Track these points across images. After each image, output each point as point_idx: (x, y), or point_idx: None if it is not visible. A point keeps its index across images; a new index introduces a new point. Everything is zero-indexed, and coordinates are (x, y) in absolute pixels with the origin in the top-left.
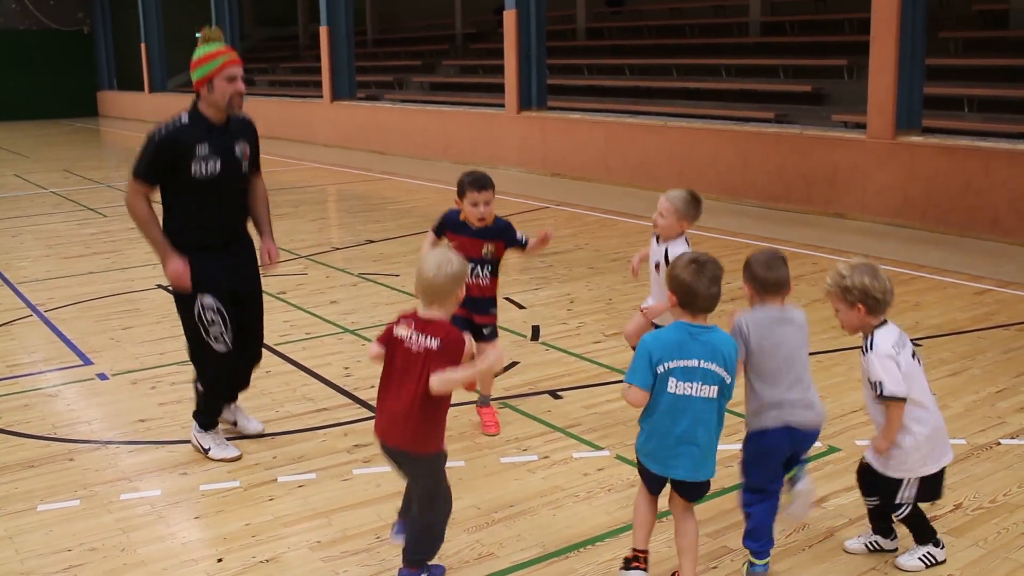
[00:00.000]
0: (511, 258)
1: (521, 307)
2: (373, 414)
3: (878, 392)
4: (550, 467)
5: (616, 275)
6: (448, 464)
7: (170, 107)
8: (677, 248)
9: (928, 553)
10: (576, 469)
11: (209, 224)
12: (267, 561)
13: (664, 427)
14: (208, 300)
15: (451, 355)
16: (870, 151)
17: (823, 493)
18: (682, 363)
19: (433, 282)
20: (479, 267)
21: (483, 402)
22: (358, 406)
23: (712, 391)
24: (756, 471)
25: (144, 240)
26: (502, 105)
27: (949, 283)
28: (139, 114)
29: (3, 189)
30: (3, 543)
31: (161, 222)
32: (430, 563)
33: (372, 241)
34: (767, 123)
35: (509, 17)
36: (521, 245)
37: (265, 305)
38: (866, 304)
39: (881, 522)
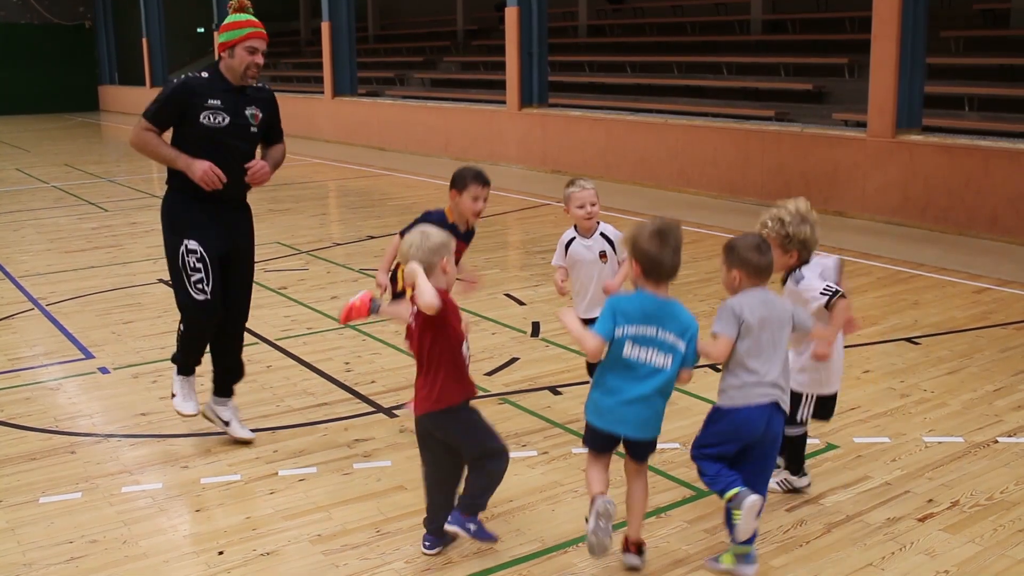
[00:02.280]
0: (511, 254)
1: (521, 303)
2: (373, 409)
3: (830, 294)
4: (549, 463)
5: None
6: None
7: None
8: (610, 229)
9: (786, 479)
10: (575, 465)
11: None
12: (268, 554)
13: (616, 388)
14: (192, 244)
15: (418, 296)
16: (870, 149)
17: (820, 490)
18: (641, 329)
19: (415, 257)
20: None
21: None
22: (358, 401)
23: (667, 360)
24: (724, 447)
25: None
26: (503, 102)
27: (948, 282)
28: (140, 109)
29: (4, 183)
30: (5, 535)
31: (168, 172)
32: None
33: (373, 237)
34: (768, 121)
35: (511, 14)
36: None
37: (266, 300)
38: (800, 253)
39: (793, 458)
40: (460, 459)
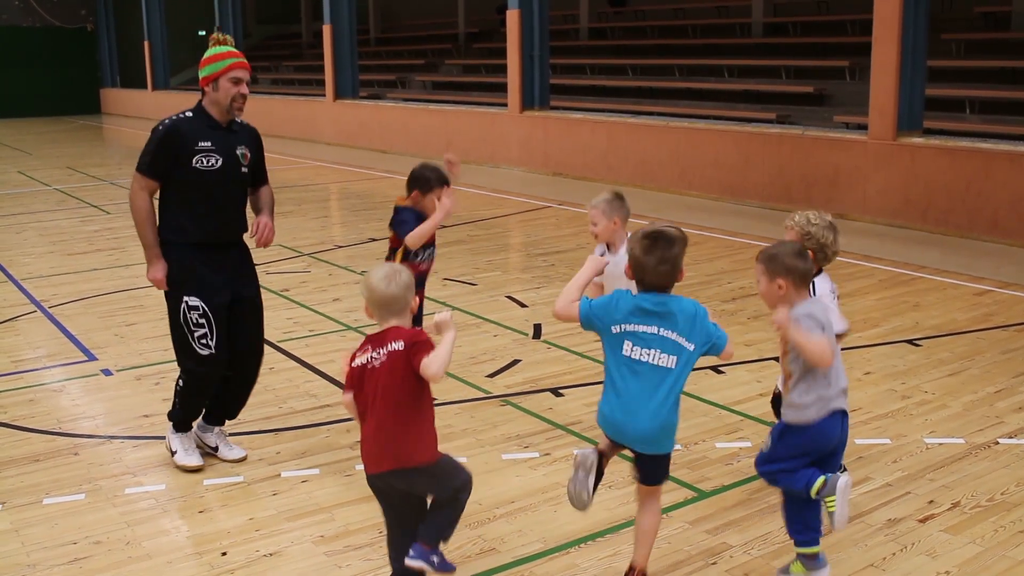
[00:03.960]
0: (513, 256)
1: (523, 305)
2: None
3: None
4: (551, 464)
5: None
6: None
7: (173, 104)
8: None
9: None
10: None
11: (207, 221)
12: (271, 555)
13: (620, 395)
14: (193, 301)
15: (424, 343)
16: (871, 152)
17: None
18: (640, 327)
19: (387, 293)
20: (432, 250)
21: None
22: None
23: (671, 360)
24: (796, 460)
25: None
26: (504, 104)
27: (949, 284)
28: (142, 111)
29: (7, 186)
30: (9, 536)
31: (159, 219)
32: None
33: (375, 239)
34: (769, 124)
35: (512, 17)
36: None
37: (268, 302)
38: (815, 255)
39: None
40: (423, 500)
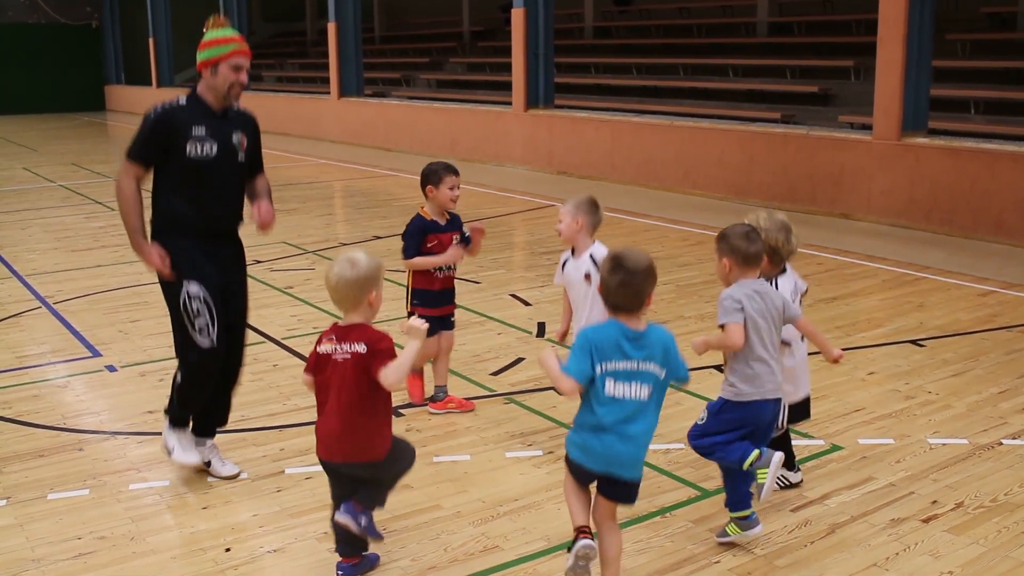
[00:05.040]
0: (517, 254)
1: (527, 304)
2: None
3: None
4: (555, 462)
5: None
6: (454, 458)
7: None
8: (602, 251)
9: (783, 475)
10: None
11: (201, 211)
12: (274, 551)
13: (606, 427)
14: (194, 288)
15: (385, 351)
16: (876, 152)
17: (825, 491)
18: (621, 365)
19: (337, 288)
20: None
21: (442, 396)
22: None
23: (645, 391)
24: (728, 435)
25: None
26: (509, 103)
27: (953, 284)
28: (146, 108)
29: (12, 182)
30: (14, 531)
31: (152, 209)
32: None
33: (379, 237)
34: (773, 123)
35: (517, 15)
36: (467, 239)
37: (272, 299)
38: (771, 259)
39: (785, 456)
40: (370, 480)
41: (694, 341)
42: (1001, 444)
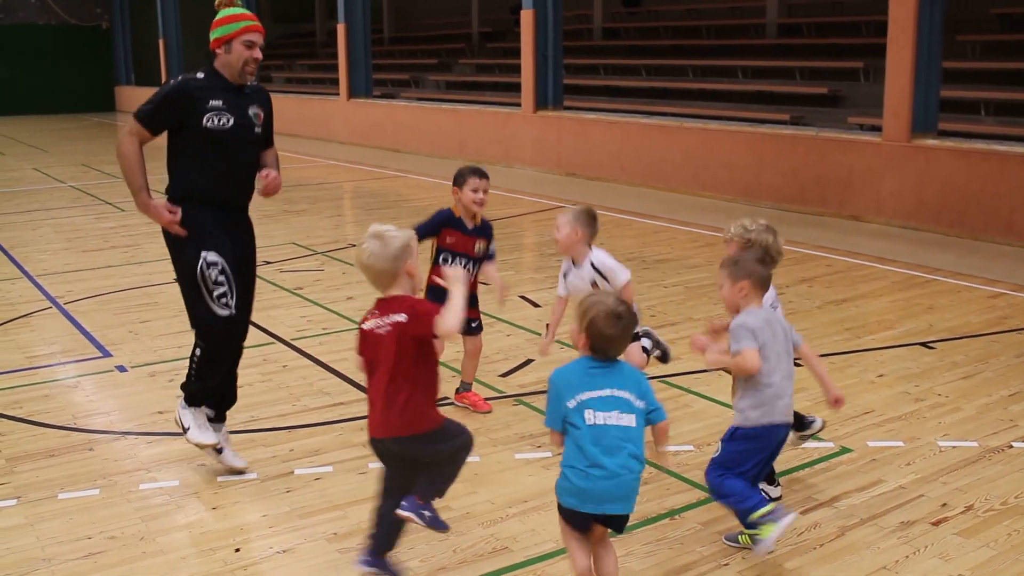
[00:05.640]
0: (526, 256)
1: (536, 305)
2: None
3: None
4: None
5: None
6: None
7: None
8: (602, 256)
9: (764, 489)
10: None
11: (217, 182)
12: (284, 552)
13: (591, 464)
14: (212, 256)
15: (429, 311)
16: (885, 154)
17: (834, 493)
18: (595, 393)
19: (372, 266)
20: (471, 264)
21: (465, 388)
22: None
23: (631, 419)
24: (746, 466)
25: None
26: (518, 104)
27: (963, 286)
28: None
29: (22, 183)
30: (25, 530)
31: (169, 180)
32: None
33: None
34: (783, 125)
35: (526, 16)
36: (491, 257)
37: (282, 300)
38: (763, 259)
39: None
40: (424, 465)
41: (708, 350)
42: (1011, 447)
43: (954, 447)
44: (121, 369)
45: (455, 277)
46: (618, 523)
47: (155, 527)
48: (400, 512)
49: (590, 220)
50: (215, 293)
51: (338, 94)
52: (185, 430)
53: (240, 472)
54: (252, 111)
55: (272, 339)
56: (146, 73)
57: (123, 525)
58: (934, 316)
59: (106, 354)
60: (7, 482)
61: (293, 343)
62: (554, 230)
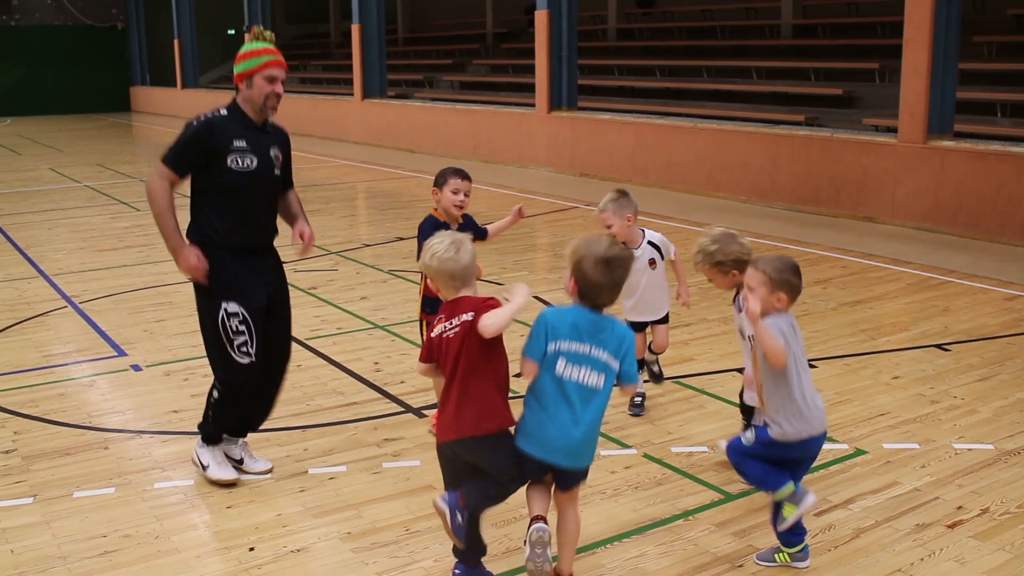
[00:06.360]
0: (540, 256)
1: (550, 306)
2: (402, 409)
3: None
4: None
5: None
6: None
7: (202, 103)
8: (654, 233)
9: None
10: (603, 467)
11: (240, 224)
12: (298, 551)
13: (548, 412)
14: (233, 307)
15: (492, 306)
16: (901, 155)
17: (849, 495)
18: (574, 346)
19: (461, 262)
20: None
21: None
22: (388, 401)
23: (599, 379)
24: (775, 476)
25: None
26: (532, 105)
27: (979, 288)
28: (171, 110)
29: (38, 182)
30: (40, 528)
31: (188, 222)
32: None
33: (402, 238)
34: (797, 126)
35: (540, 17)
36: (484, 234)
37: (296, 300)
38: (739, 268)
39: None
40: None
41: (751, 304)
42: None
43: (970, 449)
44: (136, 368)
45: (518, 290)
46: (570, 479)
47: (170, 526)
48: (437, 501)
49: (628, 201)
50: (236, 343)
51: (352, 94)
52: (204, 468)
53: (266, 473)
54: (273, 152)
55: None
56: (161, 73)
57: (138, 523)
58: (949, 318)
59: (121, 353)
60: (23, 480)
61: (307, 343)
62: (603, 228)
